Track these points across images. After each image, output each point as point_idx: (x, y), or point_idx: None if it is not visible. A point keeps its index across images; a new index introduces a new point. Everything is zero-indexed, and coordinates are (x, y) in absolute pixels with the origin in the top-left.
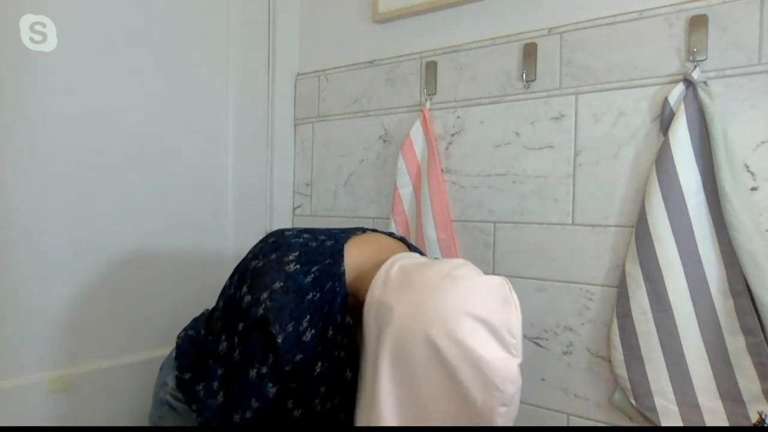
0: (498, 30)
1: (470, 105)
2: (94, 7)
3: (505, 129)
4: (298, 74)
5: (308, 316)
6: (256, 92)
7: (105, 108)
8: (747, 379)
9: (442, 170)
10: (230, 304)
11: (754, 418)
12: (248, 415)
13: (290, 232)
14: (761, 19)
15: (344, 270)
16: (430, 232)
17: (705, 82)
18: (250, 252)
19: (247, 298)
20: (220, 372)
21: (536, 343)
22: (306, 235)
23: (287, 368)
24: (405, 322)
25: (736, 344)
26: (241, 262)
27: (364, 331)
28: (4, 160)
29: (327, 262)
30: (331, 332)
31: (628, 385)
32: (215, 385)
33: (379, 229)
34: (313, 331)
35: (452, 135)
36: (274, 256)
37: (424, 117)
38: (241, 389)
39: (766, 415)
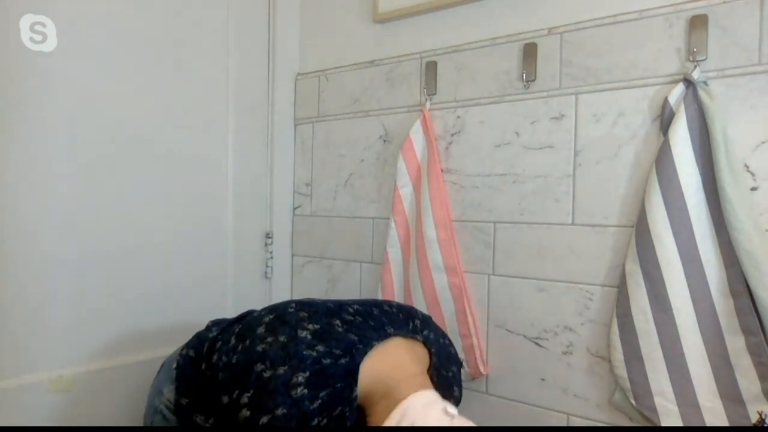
0: (498, 30)
1: (470, 105)
2: (94, 7)
3: (505, 129)
4: (298, 74)
5: None
6: (256, 92)
7: (105, 108)
8: (747, 379)
9: (442, 170)
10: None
11: (754, 418)
12: None
13: (303, 333)
14: (761, 19)
15: (356, 395)
16: (430, 232)
17: (705, 82)
18: (257, 323)
19: (245, 412)
20: None
21: (536, 343)
22: (320, 347)
23: None
24: None
25: (736, 344)
26: (245, 326)
27: None
28: (4, 159)
29: (339, 386)
30: None
31: (628, 385)
32: None
33: (395, 301)
34: None
35: (452, 135)
36: (281, 369)
37: (424, 117)
38: None
39: (766, 415)
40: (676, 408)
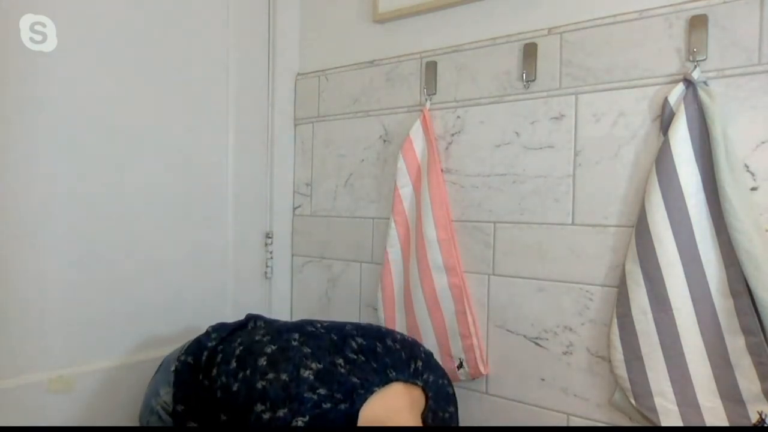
0: (498, 30)
1: (470, 105)
2: (94, 7)
3: (505, 129)
4: (298, 74)
5: None
6: (256, 92)
7: (105, 108)
8: (747, 379)
9: (442, 170)
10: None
11: (754, 418)
12: None
13: (306, 372)
14: (761, 19)
15: None
16: (430, 232)
17: (705, 82)
18: (259, 352)
19: None
20: None
21: (536, 343)
22: (321, 390)
23: None
24: None
25: (736, 344)
26: (246, 350)
27: None
28: (4, 159)
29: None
30: None
31: (628, 385)
32: None
33: (398, 333)
34: None
35: (452, 135)
36: (281, 411)
37: (424, 117)
38: None
39: (766, 415)
40: (676, 408)
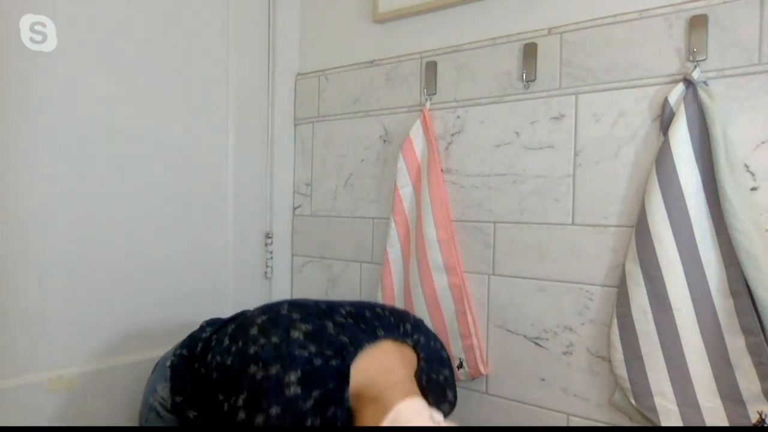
0: (498, 30)
1: (470, 105)
2: (94, 7)
3: (505, 129)
4: (298, 74)
5: None
6: (256, 92)
7: (105, 108)
8: (747, 379)
9: (442, 170)
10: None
11: (754, 418)
12: None
13: (295, 333)
14: (761, 19)
15: (348, 396)
16: (430, 232)
17: (705, 82)
18: (252, 336)
19: (241, 414)
20: None
21: (536, 343)
22: (311, 347)
23: None
24: None
25: (736, 344)
26: (238, 327)
27: None
28: (3, 159)
29: (331, 386)
30: None
31: (628, 385)
32: None
33: (387, 305)
34: None
35: (452, 135)
36: (273, 369)
37: (424, 117)
38: None
39: (766, 415)
40: (676, 408)
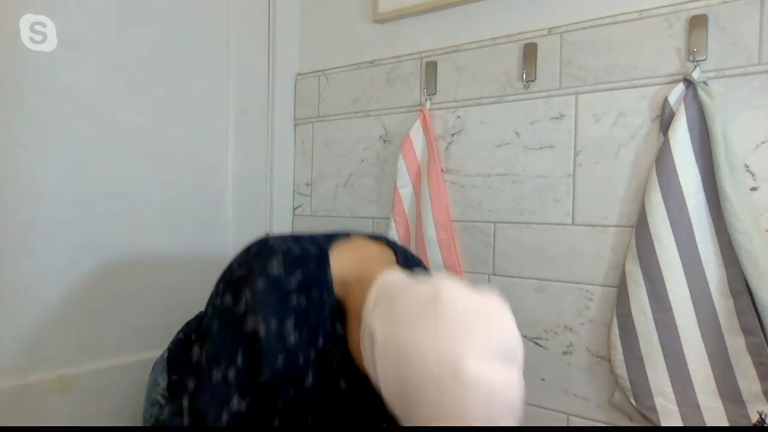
0: (498, 30)
1: (470, 105)
2: (94, 7)
3: (505, 129)
4: (298, 74)
5: (293, 318)
6: (256, 92)
7: (104, 108)
8: (747, 379)
9: (442, 170)
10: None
11: (754, 418)
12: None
13: (273, 240)
14: (761, 19)
15: (331, 278)
16: (430, 232)
17: (705, 82)
18: (234, 260)
19: (227, 300)
20: (191, 386)
21: (536, 343)
22: (289, 242)
23: (265, 377)
24: (393, 356)
25: (736, 344)
26: (225, 271)
27: (362, 351)
28: (3, 159)
29: (311, 267)
30: (321, 341)
31: (628, 385)
32: (185, 402)
33: (374, 233)
34: (297, 334)
35: (452, 135)
36: (256, 263)
37: (424, 117)
38: (204, 400)
39: (766, 415)
40: (676, 408)
